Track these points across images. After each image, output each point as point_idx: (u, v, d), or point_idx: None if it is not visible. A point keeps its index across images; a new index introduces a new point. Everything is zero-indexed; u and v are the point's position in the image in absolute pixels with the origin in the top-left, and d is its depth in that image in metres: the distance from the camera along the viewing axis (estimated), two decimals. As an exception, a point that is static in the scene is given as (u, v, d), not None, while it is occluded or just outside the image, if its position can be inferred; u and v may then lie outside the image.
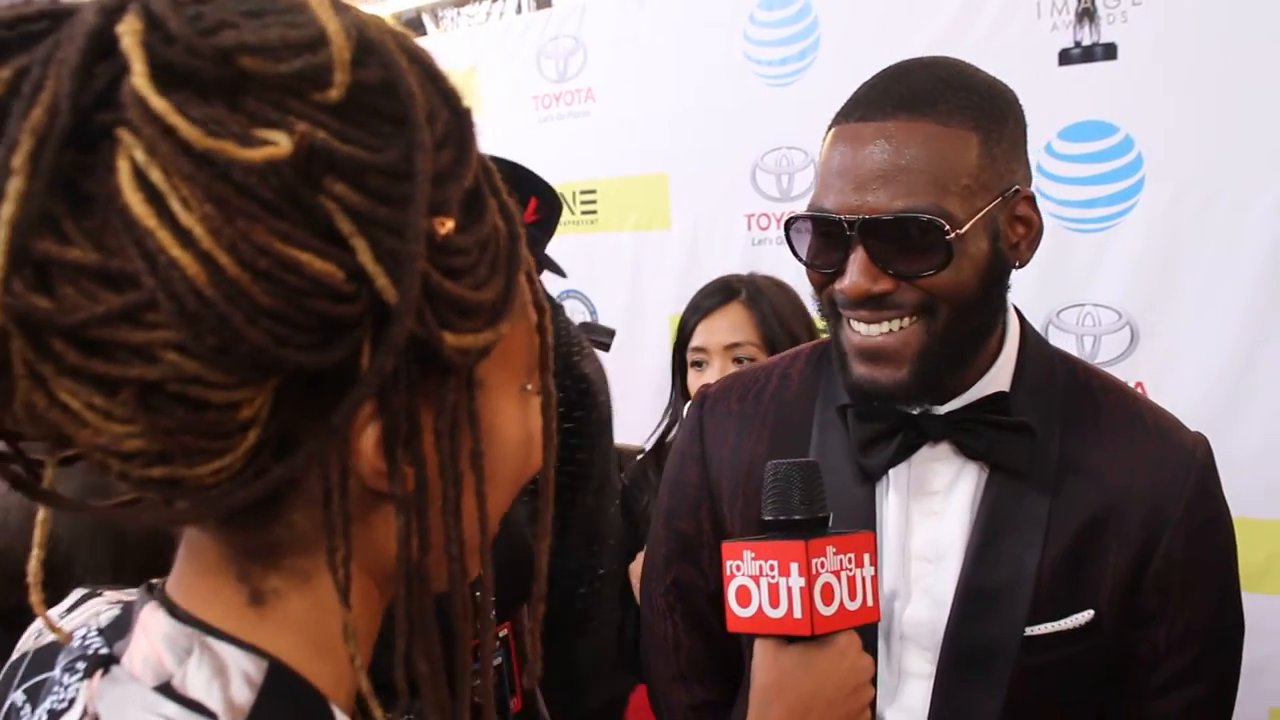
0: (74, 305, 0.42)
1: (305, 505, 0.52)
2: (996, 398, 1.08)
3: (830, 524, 0.89)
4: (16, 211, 0.41)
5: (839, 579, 0.85)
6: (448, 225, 0.48)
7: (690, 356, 2.11)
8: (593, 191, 4.11)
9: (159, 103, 0.41)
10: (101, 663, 0.55)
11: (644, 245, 3.87)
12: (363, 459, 0.52)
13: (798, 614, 0.85)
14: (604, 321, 4.16)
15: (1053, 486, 1.07)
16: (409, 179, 0.44)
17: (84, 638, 0.58)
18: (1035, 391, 1.11)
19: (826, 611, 0.85)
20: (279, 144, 0.42)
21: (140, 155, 0.41)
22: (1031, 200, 1.08)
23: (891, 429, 1.08)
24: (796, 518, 0.87)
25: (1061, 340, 2.92)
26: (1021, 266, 1.08)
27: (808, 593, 0.84)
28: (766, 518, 0.88)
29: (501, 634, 1.73)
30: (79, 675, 0.55)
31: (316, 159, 0.43)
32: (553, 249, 4.27)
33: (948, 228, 0.98)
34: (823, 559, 0.85)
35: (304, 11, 0.44)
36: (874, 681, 0.91)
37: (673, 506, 1.28)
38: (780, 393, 1.21)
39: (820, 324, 2.07)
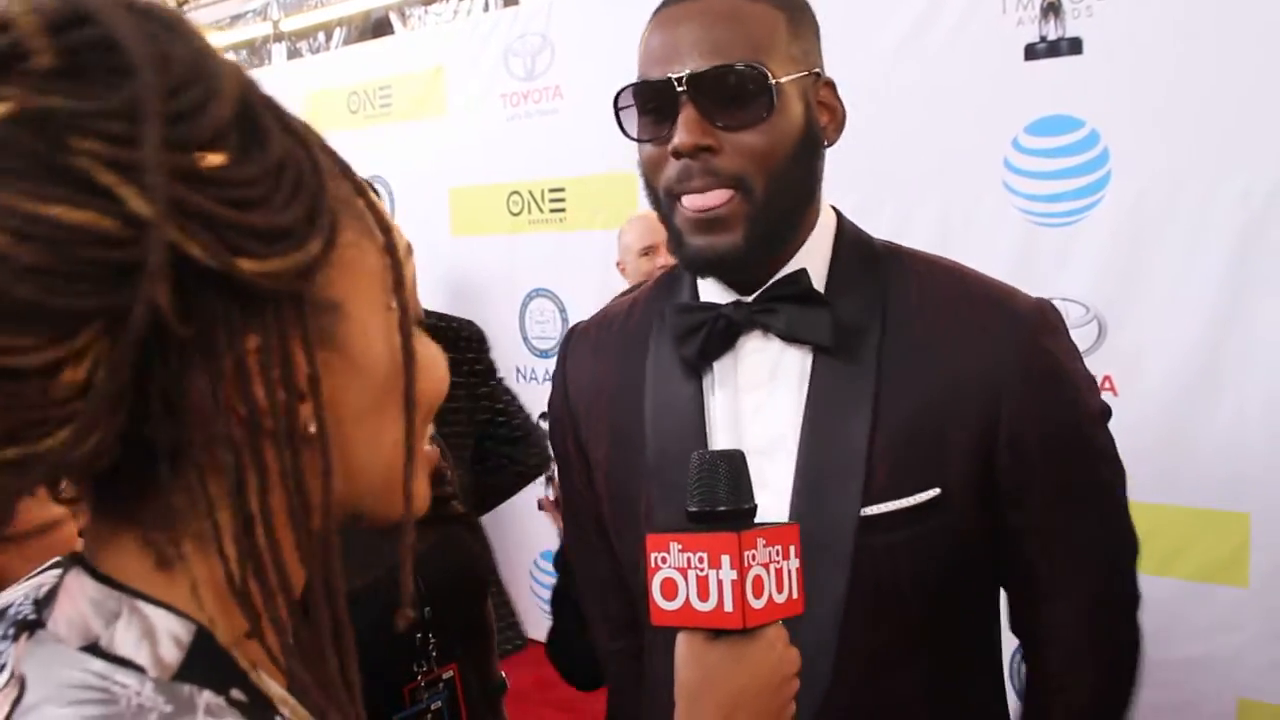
0: None
1: (181, 474, 0.53)
2: (798, 275, 1.11)
3: (756, 515, 0.86)
4: None
5: (768, 571, 0.83)
6: (214, 158, 0.50)
7: None
8: (561, 190, 4.09)
9: None
10: (28, 627, 0.56)
11: (613, 243, 3.85)
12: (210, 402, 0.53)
13: (729, 607, 0.82)
14: (572, 319, 4.14)
15: (878, 366, 1.08)
16: (144, 120, 0.46)
17: (19, 607, 0.59)
18: (852, 275, 1.13)
19: (757, 605, 0.82)
20: None
21: None
22: (833, 88, 1.14)
23: (702, 321, 1.12)
24: (722, 509, 0.84)
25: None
26: (830, 145, 1.13)
27: (740, 585, 0.81)
28: (691, 509, 0.86)
29: (446, 675, 1.69)
30: (9, 641, 0.56)
31: (48, 121, 0.45)
32: (521, 247, 4.26)
33: (770, 75, 1.04)
34: (754, 551, 0.82)
35: None
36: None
37: (551, 432, 1.37)
38: (628, 319, 1.28)
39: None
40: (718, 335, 1.12)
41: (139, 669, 0.52)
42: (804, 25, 1.11)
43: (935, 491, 1.06)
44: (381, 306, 0.60)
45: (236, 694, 0.53)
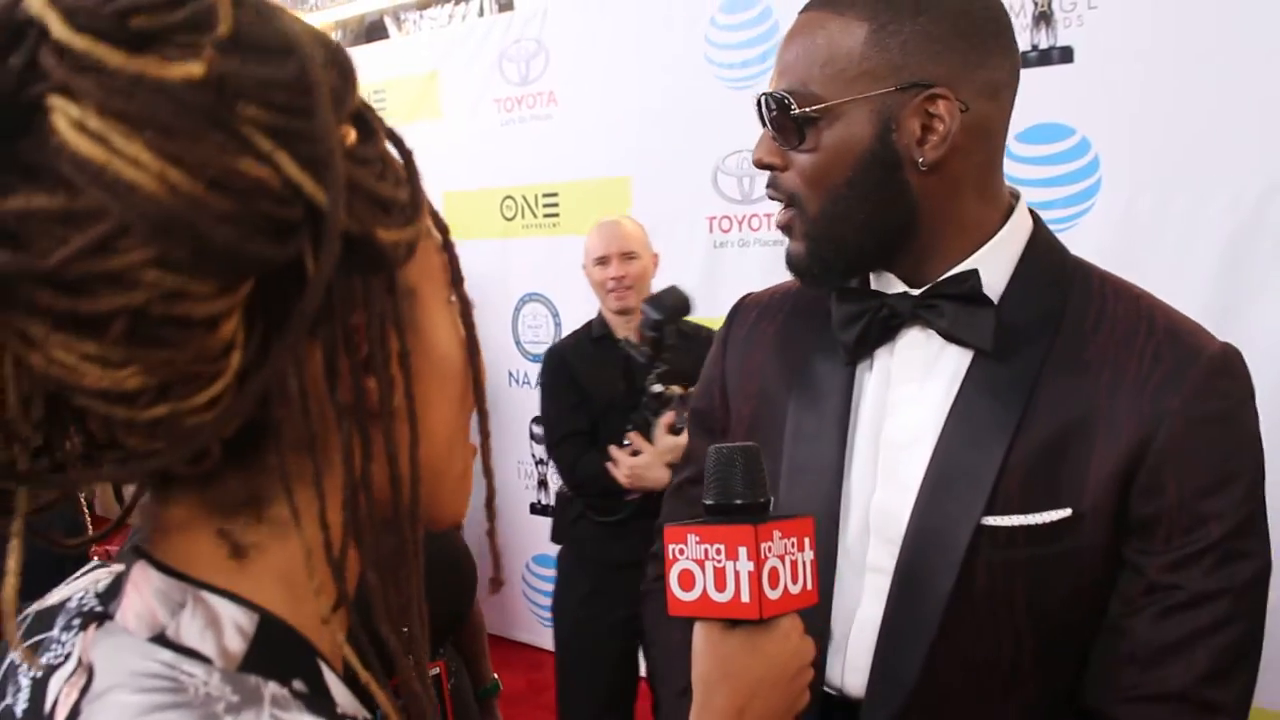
0: (47, 249, 0.45)
1: (286, 448, 0.55)
2: (967, 275, 1.07)
3: (772, 508, 0.88)
4: None
5: (783, 563, 0.84)
6: (351, 135, 0.53)
7: None
8: (555, 194, 4.10)
9: (81, 40, 0.44)
10: (96, 618, 0.57)
11: (607, 248, 3.86)
12: (314, 380, 0.54)
13: (745, 598, 0.83)
14: (565, 324, 4.15)
15: (1037, 376, 1.04)
16: (309, 91, 0.48)
17: (81, 600, 0.60)
18: (1032, 287, 1.08)
19: (773, 595, 0.84)
20: (192, 67, 0.46)
21: (74, 110, 0.44)
22: (950, 101, 1.03)
23: (864, 309, 1.13)
24: (738, 502, 0.86)
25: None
26: (926, 166, 1.05)
27: (756, 577, 0.83)
28: (708, 501, 0.88)
29: (433, 672, 1.69)
30: (75, 631, 0.57)
31: (225, 84, 0.47)
32: (515, 251, 4.27)
33: (793, 105, 1.04)
34: (770, 543, 0.84)
35: None
36: (816, 663, 0.91)
37: (699, 389, 1.37)
38: (804, 291, 1.27)
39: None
40: (878, 324, 1.11)
41: (205, 659, 0.53)
42: (901, 32, 1.02)
43: (1066, 512, 1.01)
44: (442, 297, 0.63)
45: (299, 685, 0.54)
